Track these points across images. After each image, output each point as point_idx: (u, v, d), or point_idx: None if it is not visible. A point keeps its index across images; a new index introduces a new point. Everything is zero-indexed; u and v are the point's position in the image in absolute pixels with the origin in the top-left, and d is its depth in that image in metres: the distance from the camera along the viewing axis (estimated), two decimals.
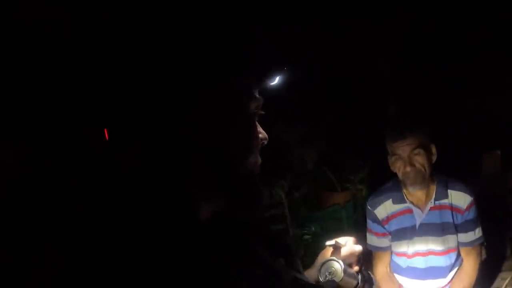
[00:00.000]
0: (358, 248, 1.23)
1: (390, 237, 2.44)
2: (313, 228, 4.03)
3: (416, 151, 2.21)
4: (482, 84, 5.13)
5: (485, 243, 2.56)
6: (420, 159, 2.22)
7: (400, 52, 5.04)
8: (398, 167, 2.27)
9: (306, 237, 3.95)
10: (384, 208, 2.40)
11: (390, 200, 2.38)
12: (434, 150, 2.29)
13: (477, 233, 2.36)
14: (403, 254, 2.43)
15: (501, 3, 4.64)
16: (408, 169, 2.23)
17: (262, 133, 0.93)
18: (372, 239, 2.47)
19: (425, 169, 2.23)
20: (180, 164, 0.83)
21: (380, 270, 2.48)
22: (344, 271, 1.16)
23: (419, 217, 2.34)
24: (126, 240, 0.75)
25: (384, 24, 4.84)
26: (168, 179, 0.83)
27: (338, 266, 1.16)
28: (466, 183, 2.40)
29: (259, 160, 0.91)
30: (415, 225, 2.35)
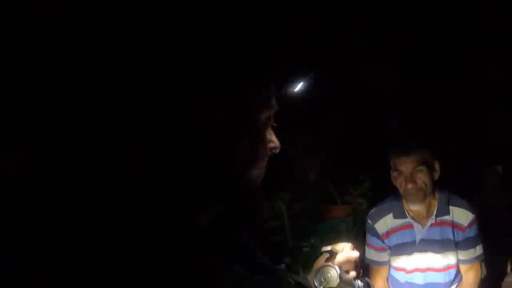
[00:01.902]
0: (355, 254, 1.23)
1: (389, 251, 2.43)
2: (313, 241, 4.03)
3: (419, 168, 2.21)
4: (484, 100, 5.14)
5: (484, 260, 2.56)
6: (422, 176, 2.22)
7: (403, 67, 5.05)
8: (400, 183, 2.26)
9: (305, 249, 3.95)
10: (385, 223, 2.39)
11: (391, 214, 2.38)
12: (437, 166, 2.28)
13: (478, 250, 2.36)
14: (402, 269, 2.42)
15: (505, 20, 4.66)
16: (410, 186, 2.22)
17: (274, 142, 0.88)
18: (370, 253, 2.47)
19: (426, 187, 2.23)
20: (182, 170, 0.81)
21: (378, 284, 2.47)
22: (340, 277, 1.15)
23: (420, 232, 2.33)
24: (123, 244, 0.74)
25: (388, 38, 4.86)
26: (169, 185, 0.81)
27: (334, 272, 1.16)
28: (468, 199, 2.40)
29: (263, 173, 0.87)
30: (415, 241, 2.35)
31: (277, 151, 0.89)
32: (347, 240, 1.29)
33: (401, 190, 2.29)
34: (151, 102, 0.79)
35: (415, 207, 2.30)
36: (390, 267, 2.47)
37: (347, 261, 1.21)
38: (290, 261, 1.06)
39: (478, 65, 5.00)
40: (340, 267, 1.18)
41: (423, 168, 2.21)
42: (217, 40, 0.81)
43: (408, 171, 2.22)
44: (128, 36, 0.82)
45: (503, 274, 3.43)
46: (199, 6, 0.83)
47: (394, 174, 2.29)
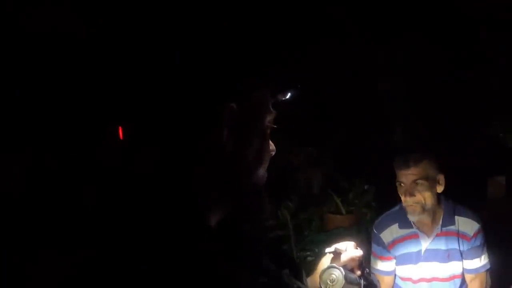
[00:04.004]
0: (359, 252, 1.23)
1: (394, 261, 2.44)
2: (317, 250, 4.02)
3: (419, 181, 2.22)
4: (487, 109, 5.15)
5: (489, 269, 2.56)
6: (421, 190, 2.23)
7: (407, 75, 5.07)
8: (400, 194, 2.29)
9: (310, 258, 3.94)
10: (390, 232, 2.41)
11: (397, 224, 2.39)
12: (441, 180, 2.29)
13: (483, 259, 2.37)
14: (408, 279, 2.43)
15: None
16: (408, 198, 2.24)
17: (271, 145, 0.95)
18: (376, 263, 2.48)
19: (425, 200, 2.24)
20: (193, 170, 0.84)
21: None
22: (345, 277, 1.15)
23: (425, 242, 2.35)
24: (131, 243, 0.76)
25: (390, 46, 4.88)
26: (179, 184, 0.84)
27: (338, 273, 1.16)
28: (473, 209, 2.41)
29: (266, 173, 0.93)
30: (420, 251, 2.36)
31: (273, 153, 0.96)
32: (350, 240, 1.29)
33: (402, 201, 2.31)
34: (170, 104, 0.84)
35: (412, 219, 2.32)
36: (396, 277, 2.48)
37: (352, 260, 1.21)
38: (294, 267, 1.08)
39: (483, 74, 5.01)
40: (344, 267, 1.19)
41: (423, 182, 2.22)
42: (229, 54, 0.87)
43: (408, 183, 2.23)
44: (143, 41, 0.86)
45: (508, 283, 3.43)
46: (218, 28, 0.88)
47: (397, 184, 2.31)
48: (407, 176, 2.23)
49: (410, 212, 2.28)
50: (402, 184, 2.26)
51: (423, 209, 2.26)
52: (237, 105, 0.84)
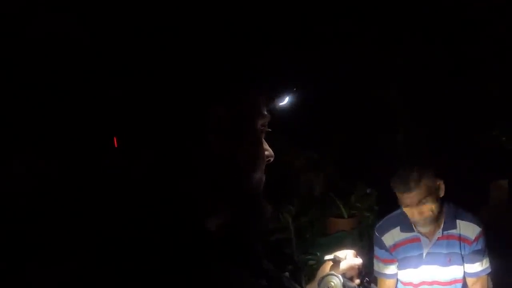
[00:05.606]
0: (358, 261, 1.23)
1: (396, 264, 2.44)
2: (319, 254, 4.02)
3: (424, 200, 2.21)
4: (490, 113, 5.15)
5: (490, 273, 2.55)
6: (428, 206, 2.22)
7: (409, 79, 5.07)
8: (407, 212, 2.28)
9: (311, 262, 3.95)
10: (392, 236, 2.40)
11: (398, 228, 2.38)
12: (441, 186, 2.28)
13: (484, 263, 2.36)
14: (410, 283, 2.42)
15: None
16: (417, 217, 2.25)
17: (268, 151, 0.94)
18: (379, 266, 2.47)
19: (433, 212, 2.24)
20: (187, 176, 0.84)
21: None
22: (344, 285, 1.15)
23: (427, 246, 2.34)
24: (130, 248, 0.76)
25: (392, 50, 4.88)
26: (175, 190, 0.84)
27: (337, 281, 1.15)
28: (475, 213, 2.40)
29: (264, 177, 0.92)
30: (422, 254, 2.35)
31: (272, 159, 0.94)
32: (351, 248, 1.29)
33: (409, 217, 2.29)
34: (161, 111, 0.84)
35: (424, 230, 2.31)
36: (397, 281, 2.47)
37: (351, 268, 1.21)
38: (293, 269, 1.07)
39: (485, 78, 5.01)
40: (343, 275, 1.18)
41: (427, 199, 2.21)
42: (219, 57, 0.88)
43: (413, 204, 2.22)
44: (139, 49, 0.86)
45: (510, 287, 3.41)
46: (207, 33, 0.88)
47: (400, 203, 2.30)
48: (411, 198, 2.22)
49: (421, 225, 2.29)
50: (407, 205, 2.24)
51: (433, 219, 2.26)
52: (225, 109, 0.84)
